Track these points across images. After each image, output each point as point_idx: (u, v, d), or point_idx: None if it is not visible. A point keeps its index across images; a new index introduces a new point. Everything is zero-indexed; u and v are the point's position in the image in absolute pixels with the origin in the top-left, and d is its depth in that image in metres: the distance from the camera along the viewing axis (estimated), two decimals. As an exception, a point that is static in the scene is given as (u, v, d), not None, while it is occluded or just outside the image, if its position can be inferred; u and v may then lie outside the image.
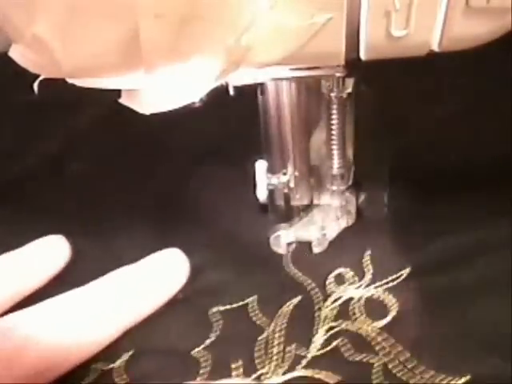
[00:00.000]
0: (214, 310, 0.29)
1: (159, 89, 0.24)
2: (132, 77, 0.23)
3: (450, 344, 0.26)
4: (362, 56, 0.24)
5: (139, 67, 0.22)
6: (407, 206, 0.32)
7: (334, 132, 0.31)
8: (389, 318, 0.27)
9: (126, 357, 0.27)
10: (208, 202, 0.36)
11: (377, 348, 0.26)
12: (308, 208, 0.34)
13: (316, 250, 0.33)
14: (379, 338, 0.26)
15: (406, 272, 0.29)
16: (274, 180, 0.32)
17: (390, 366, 0.25)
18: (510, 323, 0.26)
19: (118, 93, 0.25)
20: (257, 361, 0.27)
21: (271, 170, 0.32)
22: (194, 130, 0.39)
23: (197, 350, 0.27)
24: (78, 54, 0.21)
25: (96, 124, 0.39)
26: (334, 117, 0.30)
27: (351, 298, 0.29)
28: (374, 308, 0.28)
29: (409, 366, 0.25)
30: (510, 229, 0.30)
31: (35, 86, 0.23)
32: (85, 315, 0.27)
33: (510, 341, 0.25)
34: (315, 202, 0.34)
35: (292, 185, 0.32)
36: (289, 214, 0.34)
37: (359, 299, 0.29)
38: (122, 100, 0.25)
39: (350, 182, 0.33)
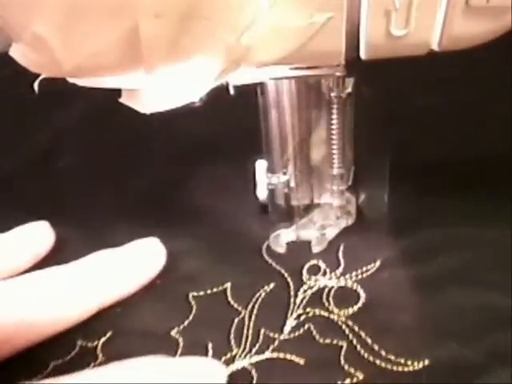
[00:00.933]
0: (193, 294, 0.30)
1: (159, 88, 0.24)
2: (132, 76, 0.23)
3: (410, 330, 0.27)
4: (362, 55, 0.24)
5: (139, 66, 0.22)
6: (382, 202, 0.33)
7: (333, 132, 0.31)
8: (356, 307, 0.29)
9: (104, 337, 0.28)
10: (208, 202, 0.36)
11: (346, 332, 0.28)
12: (308, 208, 0.34)
13: (315, 249, 0.33)
14: (348, 323, 0.28)
15: (376, 265, 0.31)
16: (274, 179, 0.32)
17: (357, 348, 0.27)
18: (468, 311, 0.28)
19: (116, 92, 0.25)
20: (232, 342, 0.28)
21: (271, 170, 0.32)
22: (194, 130, 0.39)
23: (175, 330, 0.28)
24: (78, 53, 0.21)
25: (92, 122, 0.40)
26: (334, 117, 0.30)
27: (324, 287, 0.30)
28: (345, 297, 0.29)
29: (373, 350, 0.27)
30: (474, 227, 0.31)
31: (35, 85, 0.23)
32: (59, 290, 0.28)
33: (468, 327, 0.27)
34: (315, 201, 0.34)
35: (292, 184, 0.32)
36: (289, 214, 0.34)
37: (331, 289, 0.30)
38: (123, 99, 0.25)
39: (350, 182, 0.33)
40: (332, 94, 0.29)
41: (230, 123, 0.39)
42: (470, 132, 0.37)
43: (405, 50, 0.24)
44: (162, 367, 0.25)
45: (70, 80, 0.23)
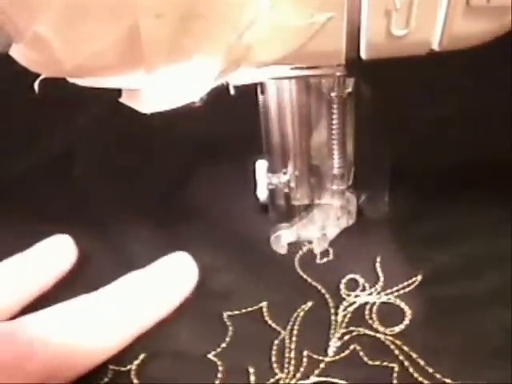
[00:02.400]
0: (228, 313, 0.29)
1: (159, 88, 0.24)
2: (132, 76, 0.23)
3: (463, 351, 0.26)
4: (363, 55, 0.24)
5: (140, 66, 0.22)
6: (415, 216, 0.32)
7: (334, 132, 0.31)
8: (403, 325, 0.27)
9: (138, 360, 0.27)
10: (208, 202, 0.36)
11: (395, 352, 0.26)
12: (308, 208, 0.34)
13: (316, 249, 0.33)
14: (397, 343, 0.27)
15: (417, 280, 0.30)
16: (275, 179, 0.32)
17: (410, 370, 0.25)
18: None
19: (116, 92, 0.25)
20: (274, 365, 0.26)
21: (272, 170, 0.32)
22: (194, 130, 0.39)
23: (212, 353, 0.27)
24: (78, 53, 0.21)
25: (96, 123, 0.39)
26: (334, 116, 0.30)
27: (365, 304, 0.29)
28: (389, 314, 0.28)
29: (427, 373, 0.25)
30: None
31: (36, 85, 0.23)
32: (95, 320, 0.27)
33: None
34: (315, 201, 0.34)
35: (292, 184, 0.32)
36: (289, 214, 0.34)
37: (373, 305, 0.29)
38: (123, 99, 0.25)
39: (350, 182, 0.33)
40: (332, 94, 0.29)
41: (230, 123, 0.39)
42: (470, 132, 0.37)
43: (405, 50, 0.24)
44: None
45: (71, 80, 0.23)
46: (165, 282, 0.29)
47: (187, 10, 0.21)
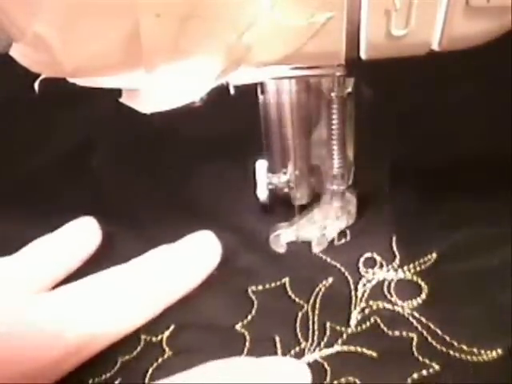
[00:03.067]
0: (253, 288, 0.30)
1: (159, 88, 0.24)
2: (133, 76, 0.23)
3: (478, 321, 0.27)
4: (362, 55, 0.24)
5: (140, 66, 0.22)
6: (430, 200, 0.33)
7: (334, 132, 0.31)
8: (420, 299, 0.29)
9: (169, 331, 0.28)
10: (208, 202, 0.36)
11: (414, 324, 0.27)
12: (308, 208, 0.34)
13: (316, 249, 0.33)
14: (415, 315, 0.28)
15: (432, 257, 0.31)
16: (275, 179, 0.32)
17: (429, 339, 0.27)
18: None
19: (116, 92, 0.25)
20: (299, 334, 0.28)
21: (272, 170, 0.33)
22: (194, 130, 0.39)
23: (239, 324, 0.28)
24: (78, 53, 0.21)
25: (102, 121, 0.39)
26: (334, 116, 0.30)
27: (383, 280, 0.30)
28: (406, 289, 0.29)
29: (444, 341, 0.27)
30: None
31: (36, 85, 0.23)
32: (121, 293, 0.28)
33: None
34: (315, 201, 0.34)
35: (292, 184, 0.32)
36: (289, 214, 0.34)
37: (390, 281, 0.30)
38: (123, 99, 0.25)
39: (350, 182, 0.33)
40: (332, 94, 0.29)
41: (230, 123, 0.39)
42: (471, 131, 0.37)
43: (405, 50, 0.24)
44: (244, 369, 0.25)
45: (71, 80, 0.23)
46: (190, 257, 0.30)
47: (187, 9, 0.21)
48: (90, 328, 0.26)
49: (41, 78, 0.23)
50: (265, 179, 0.32)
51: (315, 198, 0.34)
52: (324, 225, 0.34)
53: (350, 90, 0.29)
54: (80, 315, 0.27)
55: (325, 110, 0.30)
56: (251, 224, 0.34)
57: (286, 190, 0.33)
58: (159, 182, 0.37)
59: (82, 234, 0.32)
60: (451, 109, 0.37)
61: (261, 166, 0.33)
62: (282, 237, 0.33)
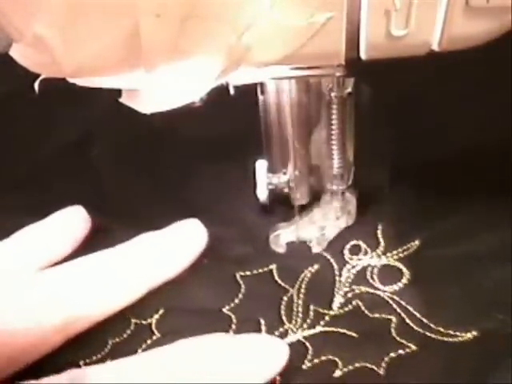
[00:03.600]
0: (241, 274, 0.31)
1: (159, 88, 0.24)
2: (132, 76, 0.23)
3: (456, 304, 0.28)
4: (362, 55, 0.24)
5: (140, 66, 0.22)
6: (416, 189, 0.34)
7: (334, 132, 0.31)
8: (401, 284, 0.30)
9: (158, 315, 0.29)
10: (208, 202, 0.36)
11: (394, 306, 0.29)
12: (308, 208, 0.34)
13: (315, 249, 0.33)
14: (395, 298, 0.29)
15: (415, 244, 0.32)
16: (275, 179, 0.32)
17: (407, 321, 0.28)
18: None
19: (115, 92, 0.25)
20: (283, 317, 0.29)
21: (271, 170, 0.32)
22: (194, 130, 0.39)
23: (226, 308, 0.29)
24: (78, 53, 0.21)
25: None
26: (334, 116, 0.30)
27: (367, 266, 0.31)
28: (389, 275, 0.31)
29: (422, 323, 0.28)
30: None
31: (36, 85, 0.23)
32: (107, 275, 0.29)
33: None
34: (315, 201, 0.34)
35: (292, 184, 0.32)
36: (289, 214, 0.34)
37: (374, 267, 0.31)
38: (123, 99, 0.25)
39: (350, 182, 0.33)
40: (332, 94, 0.29)
41: (230, 123, 0.39)
42: (471, 131, 0.37)
43: (405, 50, 0.24)
44: (226, 344, 0.27)
45: (71, 80, 0.23)
46: (176, 243, 0.31)
47: (187, 10, 0.21)
48: (76, 307, 0.27)
49: (41, 78, 0.23)
50: (265, 179, 0.32)
51: (315, 198, 0.34)
52: (324, 225, 0.34)
53: (349, 89, 0.29)
54: (67, 295, 0.28)
55: (325, 110, 0.30)
56: (247, 218, 0.35)
57: (286, 190, 0.33)
58: (159, 182, 0.37)
59: (69, 222, 0.32)
60: (451, 109, 0.37)
61: (261, 166, 0.33)
62: (282, 237, 0.34)
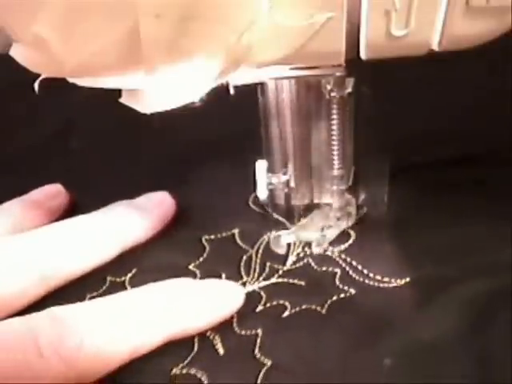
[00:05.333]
0: (206, 237, 0.34)
1: (159, 88, 0.24)
2: (132, 76, 0.23)
3: (392, 258, 0.32)
4: (362, 55, 0.24)
5: (140, 66, 0.22)
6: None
7: (334, 132, 0.31)
8: (347, 244, 0.33)
9: (131, 273, 0.32)
10: (207, 202, 0.36)
11: (339, 262, 0.32)
12: (308, 208, 0.34)
13: (316, 250, 0.33)
14: (342, 256, 0.33)
15: (363, 211, 0.35)
16: (275, 179, 0.32)
17: (350, 273, 0.32)
18: (443, 238, 0.33)
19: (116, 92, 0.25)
20: (242, 272, 0.32)
21: (271, 170, 0.32)
22: (194, 130, 0.39)
23: (192, 265, 0.33)
24: (78, 53, 0.21)
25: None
26: (334, 117, 0.30)
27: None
28: (338, 238, 0.34)
29: (363, 273, 0.32)
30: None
31: (36, 85, 0.23)
32: (83, 235, 0.32)
33: (443, 251, 0.32)
34: (315, 201, 0.34)
35: (292, 184, 0.32)
36: (289, 214, 0.34)
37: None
38: (123, 99, 0.25)
39: (350, 183, 0.33)
40: (332, 94, 0.29)
41: (230, 123, 0.39)
42: (471, 131, 0.37)
43: (405, 50, 0.24)
44: (187, 287, 0.30)
45: (70, 80, 0.23)
46: (145, 209, 0.34)
47: (187, 10, 0.21)
48: (53, 262, 0.30)
49: (41, 77, 0.23)
50: (265, 179, 0.32)
51: (315, 199, 0.34)
52: (324, 225, 0.34)
53: (349, 89, 0.29)
54: (44, 251, 0.30)
55: (325, 110, 0.30)
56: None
57: (286, 190, 0.33)
58: (158, 182, 0.37)
59: (46, 196, 0.36)
60: (451, 108, 0.37)
61: (261, 166, 0.33)
62: (282, 238, 0.34)
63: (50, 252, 0.30)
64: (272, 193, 0.33)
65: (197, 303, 0.29)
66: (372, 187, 0.34)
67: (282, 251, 0.33)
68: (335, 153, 0.31)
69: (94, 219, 0.33)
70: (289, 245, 0.33)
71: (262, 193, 0.33)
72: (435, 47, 0.24)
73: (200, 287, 0.30)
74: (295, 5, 0.22)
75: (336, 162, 0.32)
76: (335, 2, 0.22)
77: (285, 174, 0.33)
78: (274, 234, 0.34)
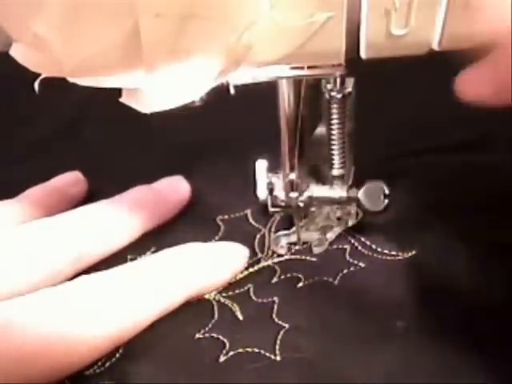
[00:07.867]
0: (220, 217, 0.36)
1: (159, 88, 0.24)
2: (132, 76, 0.23)
3: (401, 235, 0.33)
4: (362, 55, 0.24)
5: (140, 66, 0.22)
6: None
7: (334, 132, 0.31)
8: (356, 221, 0.35)
9: (149, 251, 0.34)
10: (207, 202, 0.36)
11: (349, 238, 0.34)
12: (308, 208, 0.34)
13: (316, 250, 0.33)
14: (350, 232, 0.34)
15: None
16: (275, 179, 0.32)
17: (359, 248, 0.33)
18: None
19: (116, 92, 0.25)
20: (256, 249, 0.34)
21: (271, 169, 0.32)
22: (194, 130, 0.39)
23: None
24: (78, 52, 0.21)
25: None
26: (334, 117, 0.30)
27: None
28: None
29: (371, 248, 0.33)
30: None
31: (36, 85, 0.23)
32: (110, 219, 0.34)
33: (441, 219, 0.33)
34: (315, 202, 0.34)
35: (292, 185, 0.32)
36: (289, 214, 0.34)
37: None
38: (123, 99, 0.25)
39: (350, 182, 0.33)
40: (332, 94, 0.29)
41: (230, 123, 0.39)
42: (471, 131, 0.38)
43: (405, 50, 0.24)
44: (199, 248, 0.32)
45: (71, 80, 0.23)
46: (164, 195, 0.36)
47: (187, 9, 0.21)
48: (84, 246, 0.32)
49: (41, 77, 0.23)
50: (265, 179, 0.32)
51: (315, 199, 0.34)
52: (324, 226, 0.34)
53: (349, 89, 0.29)
54: (76, 236, 0.32)
55: (325, 109, 0.30)
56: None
57: (286, 189, 0.33)
58: (170, 169, 0.37)
59: (66, 183, 0.37)
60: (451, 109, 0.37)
61: (261, 166, 0.33)
62: (283, 238, 0.34)
63: (80, 235, 0.32)
64: (272, 193, 0.33)
65: (208, 263, 0.31)
66: (372, 187, 0.34)
67: (282, 251, 0.33)
68: (335, 153, 0.31)
69: (117, 204, 0.34)
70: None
71: (262, 193, 0.33)
72: (435, 47, 0.24)
73: (209, 249, 0.32)
74: (295, 4, 0.22)
75: (336, 162, 0.32)
76: (335, 2, 0.22)
77: (285, 174, 0.33)
78: (274, 234, 0.34)
